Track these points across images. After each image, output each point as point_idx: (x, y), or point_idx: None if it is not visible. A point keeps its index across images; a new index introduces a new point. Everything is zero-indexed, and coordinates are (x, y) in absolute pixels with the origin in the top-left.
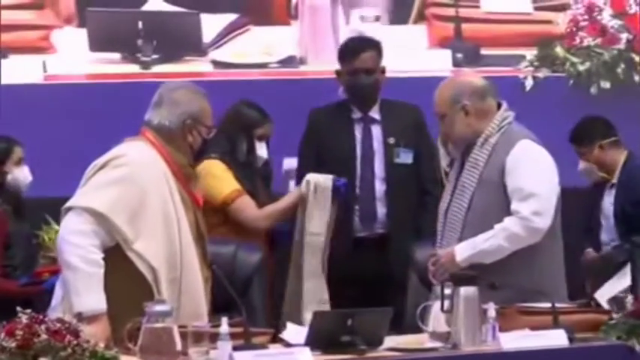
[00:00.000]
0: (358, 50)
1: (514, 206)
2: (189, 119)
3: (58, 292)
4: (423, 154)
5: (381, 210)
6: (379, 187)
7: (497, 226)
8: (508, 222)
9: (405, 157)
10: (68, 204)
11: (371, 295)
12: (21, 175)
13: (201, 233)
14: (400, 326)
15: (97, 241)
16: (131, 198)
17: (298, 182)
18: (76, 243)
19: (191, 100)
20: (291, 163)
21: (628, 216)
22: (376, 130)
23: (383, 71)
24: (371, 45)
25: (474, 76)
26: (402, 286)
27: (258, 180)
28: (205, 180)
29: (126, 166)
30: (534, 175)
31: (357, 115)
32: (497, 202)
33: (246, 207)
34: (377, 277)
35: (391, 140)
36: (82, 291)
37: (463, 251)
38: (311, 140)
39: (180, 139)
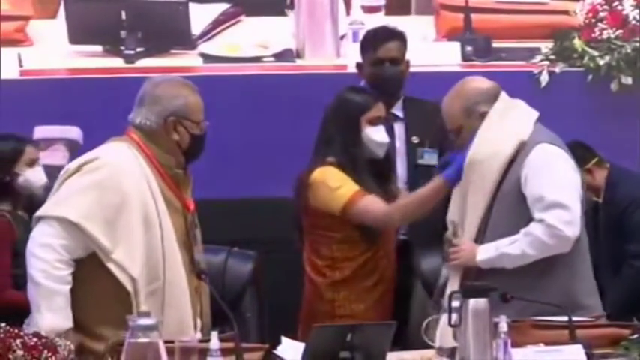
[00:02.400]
0: (383, 39)
1: (537, 216)
2: (171, 116)
3: None
4: None
5: None
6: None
7: (521, 231)
8: (532, 227)
9: (430, 158)
10: (39, 213)
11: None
12: (33, 176)
13: (190, 240)
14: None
15: (66, 256)
16: (107, 205)
17: None
18: (41, 257)
19: (174, 96)
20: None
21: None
22: (399, 129)
23: (407, 65)
24: (396, 35)
25: (477, 81)
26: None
27: (370, 178)
28: (321, 192)
29: (100, 169)
30: (557, 183)
31: None
32: (516, 215)
33: (372, 205)
34: (397, 287)
35: (415, 139)
36: (43, 308)
37: (485, 252)
38: None
39: (164, 139)
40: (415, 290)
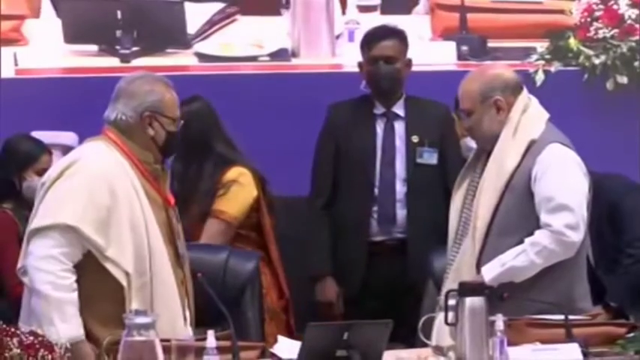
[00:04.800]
0: (378, 38)
1: (544, 219)
2: (146, 111)
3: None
4: (449, 156)
5: (400, 213)
6: (400, 189)
7: (527, 241)
8: (539, 236)
9: (429, 157)
10: (33, 226)
11: (387, 307)
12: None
13: (174, 233)
14: (415, 340)
15: (69, 264)
16: (98, 204)
17: (314, 180)
18: (45, 269)
19: (149, 91)
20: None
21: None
22: (399, 127)
23: (408, 64)
24: (393, 33)
25: (501, 68)
26: (421, 296)
27: None
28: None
29: (84, 171)
30: (565, 185)
31: (379, 110)
32: (524, 210)
33: (210, 233)
34: (394, 286)
35: (415, 138)
36: (56, 320)
37: (490, 271)
38: (329, 137)
39: (140, 133)
40: (427, 289)
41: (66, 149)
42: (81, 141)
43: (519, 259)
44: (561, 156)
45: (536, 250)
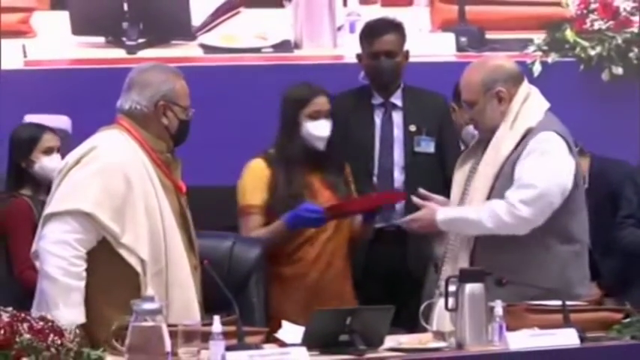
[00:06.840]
0: (379, 32)
1: (506, 192)
2: (161, 100)
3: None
4: (447, 145)
5: None
6: (398, 177)
7: (486, 202)
8: (495, 202)
9: (427, 146)
10: (48, 210)
11: (389, 292)
12: (49, 164)
13: (187, 220)
14: (416, 325)
15: (82, 251)
16: (114, 191)
17: None
18: (58, 254)
19: (163, 80)
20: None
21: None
22: (397, 117)
23: (406, 56)
24: (393, 27)
25: (502, 59)
26: (421, 282)
27: (303, 172)
28: (239, 184)
29: (100, 158)
30: (538, 167)
31: (377, 100)
32: None
33: (244, 226)
34: (395, 272)
35: (412, 127)
36: (61, 304)
37: (445, 212)
38: None
39: (154, 122)
40: (428, 275)
41: (60, 132)
42: (87, 130)
43: (473, 212)
44: (546, 142)
45: (488, 212)
